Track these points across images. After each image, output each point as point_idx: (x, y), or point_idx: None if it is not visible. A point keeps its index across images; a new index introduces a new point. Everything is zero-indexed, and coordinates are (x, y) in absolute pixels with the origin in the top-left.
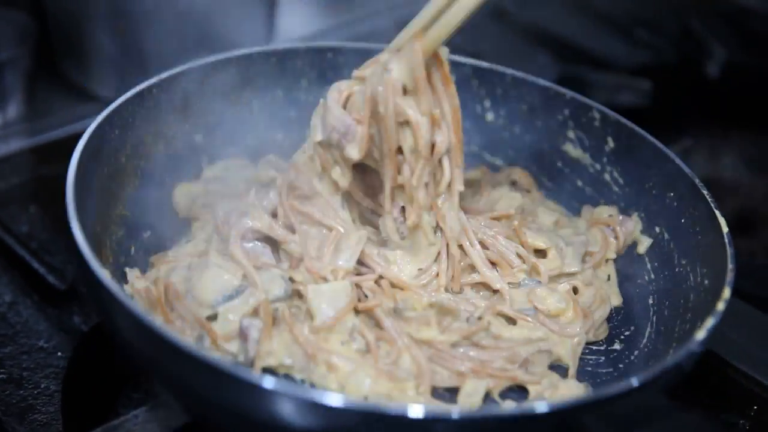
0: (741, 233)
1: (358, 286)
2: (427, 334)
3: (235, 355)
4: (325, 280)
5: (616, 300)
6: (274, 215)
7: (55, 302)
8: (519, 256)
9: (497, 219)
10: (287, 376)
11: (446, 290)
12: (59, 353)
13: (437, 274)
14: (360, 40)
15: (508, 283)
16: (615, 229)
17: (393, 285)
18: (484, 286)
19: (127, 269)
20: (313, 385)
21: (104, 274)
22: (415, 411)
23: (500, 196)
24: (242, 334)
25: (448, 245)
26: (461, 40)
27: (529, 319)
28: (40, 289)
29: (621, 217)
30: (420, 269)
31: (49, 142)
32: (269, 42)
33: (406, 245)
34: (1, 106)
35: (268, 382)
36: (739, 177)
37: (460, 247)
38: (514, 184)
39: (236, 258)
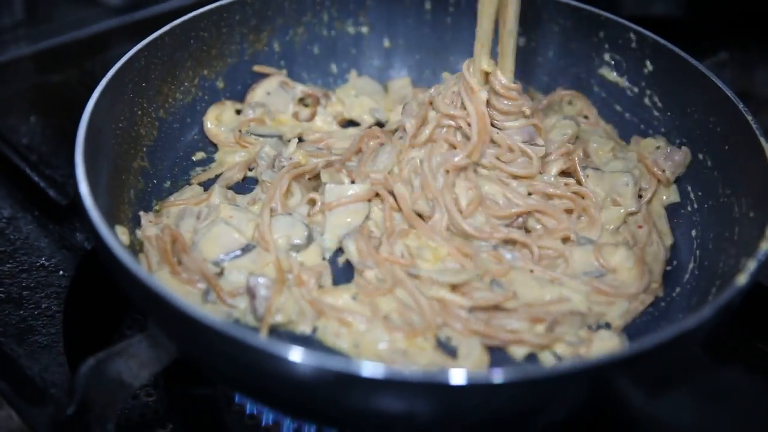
0: None
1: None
2: (439, 294)
3: (243, 311)
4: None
5: (668, 239)
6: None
7: (56, 218)
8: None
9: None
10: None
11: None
12: (61, 272)
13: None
14: None
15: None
16: (654, 170)
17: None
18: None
19: (141, 213)
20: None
21: (115, 244)
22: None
23: (552, 125)
24: (250, 292)
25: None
26: None
27: (574, 281)
28: (40, 204)
29: (669, 149)
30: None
31: (51, 48)
32: None
33: None
34: None
35: (296, 355)
36: None
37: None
38: (570, 104)
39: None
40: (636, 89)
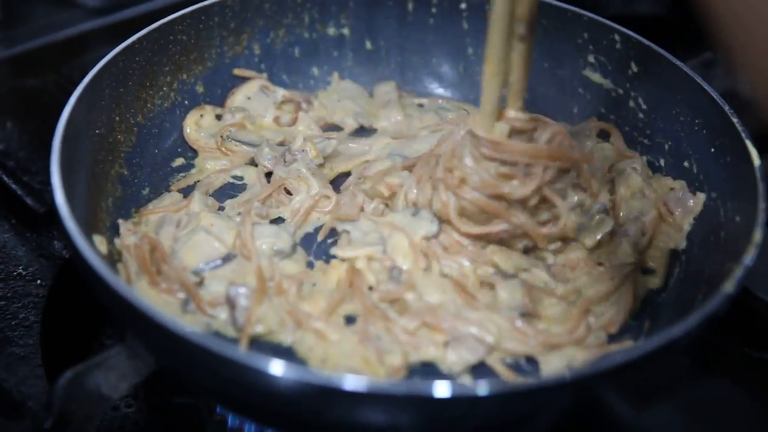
0: (760, 151)
1: None
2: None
3: (223, 322)
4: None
5: (657, 281)
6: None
7: (33, 226)
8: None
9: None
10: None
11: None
12: (38, 281)
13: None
14: None
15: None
16: (663, 212)
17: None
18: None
19: (120, 221)
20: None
21: (92, 255)
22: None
23: (590, 149)
24: (230, 302)
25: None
26: None
27: (494, 314)
28: (17, 212)
29: (682, 193)
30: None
31: (28, 51)
32: None
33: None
34: None
35: (277, 368)
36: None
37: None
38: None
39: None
40: (620, 91)
